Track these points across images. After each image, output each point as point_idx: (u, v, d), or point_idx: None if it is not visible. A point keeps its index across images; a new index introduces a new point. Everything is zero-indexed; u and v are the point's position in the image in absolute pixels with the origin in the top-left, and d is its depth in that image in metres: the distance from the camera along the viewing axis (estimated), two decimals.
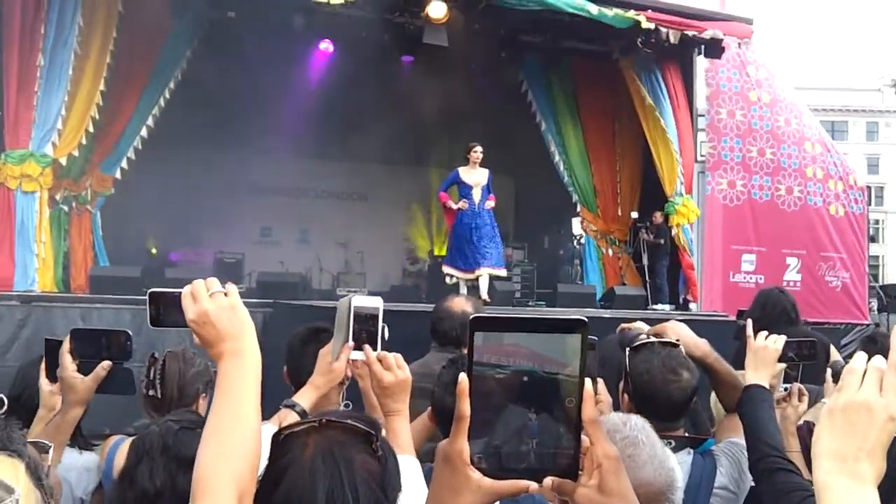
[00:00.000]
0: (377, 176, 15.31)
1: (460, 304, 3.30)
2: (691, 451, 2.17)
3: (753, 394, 2.27)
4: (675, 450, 2.11)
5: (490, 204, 9.43)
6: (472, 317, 0.88)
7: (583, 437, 0.90)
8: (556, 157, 12.38)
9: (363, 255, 14.89)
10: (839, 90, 52.38)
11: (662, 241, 11.25)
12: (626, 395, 2.21)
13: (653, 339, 2.27)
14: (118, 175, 10.01)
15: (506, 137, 12.78)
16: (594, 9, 9.61)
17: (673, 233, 11.08)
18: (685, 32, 10.19)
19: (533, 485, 0.88)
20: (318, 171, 15.07)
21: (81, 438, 2.43)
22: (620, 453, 1.39)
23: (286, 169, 14.62)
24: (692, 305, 10.95)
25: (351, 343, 1.90)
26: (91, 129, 9.34)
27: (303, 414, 2.02)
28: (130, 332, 2.22)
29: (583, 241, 13.81)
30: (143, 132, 10.03)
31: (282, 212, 14.99)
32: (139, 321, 7.94)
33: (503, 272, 9.84)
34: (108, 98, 9.55)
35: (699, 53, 11.20)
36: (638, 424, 1.48)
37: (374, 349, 1.91)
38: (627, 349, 2.24)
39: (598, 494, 0.90)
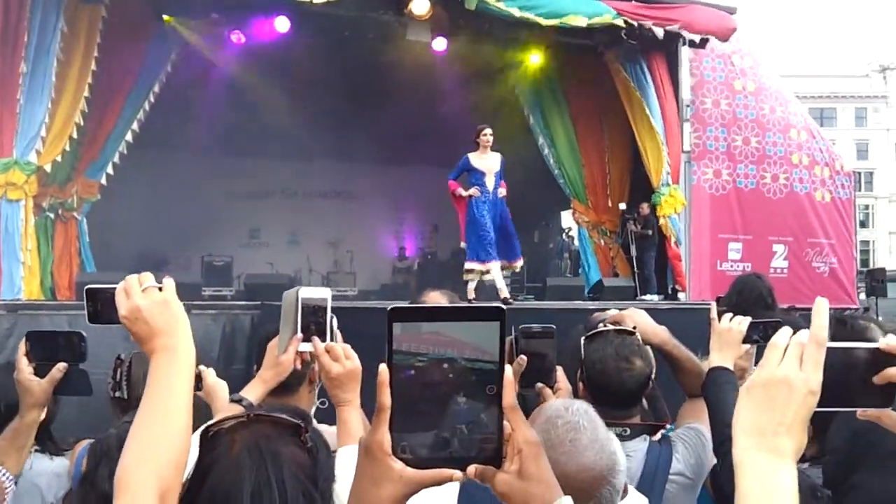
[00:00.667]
0: (365, 175, 15.32)
1: (435, 297, 3.29)
2: (647, 437, 2.18)
3: (717, 376, 2.28)
4: (631, 437, 2.14)
5: (502, 192, 8.77)
6: (389, 308, 0.88)
7: (505, 423, 0.90)
8: (546, 151, 12.40)
9: (353, 254, 14.88)
10: (827, 77, 52.52)
11: (650, 232, 11.28)
12: (581, 384, 2.22)
13: (609, 327, 2.27)
14: (104, 181, 9.97)
15: (494, 131, 12.76)
16: (578, 20, 9.75)
17: (660, 223, 11.10)
18: (668, 28, 10.21)
19: (457, 473, 0.88)
20: (306, 172, 15.07)
21: (52, 444, 2.44)
22: (562, 438, 1.41)
23: (274, 170, 14.63)
24: (681, 295, 10.98)
25: (300, 335, 1.89)
26: (75, 136, 9.30)
27: (249, 408, 2.02)
28: (84, 334, 2.21)
29: (572, 233, 13.85)
30: (129, 137, 10.00)
31: (270, 213, 15.00)
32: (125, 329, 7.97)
33: (519, 263, 9.22)
34: (93, 104, 9.51)
35: (684, 44, 11.22)
36: (580, 409, 1.48)
37: (323, 341, 1.90)
38: (583, 338, 2.25)
39: (517, 480, 0.90)
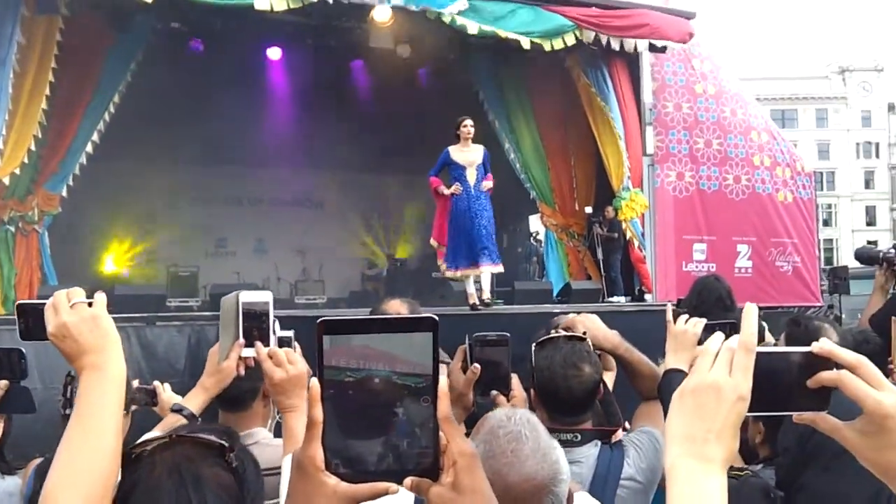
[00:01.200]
0: (332, 182, 15.27)
1: (396, 306, 3.27)
2: (598, 443, 2.18)
3: (672, 378, 2.28)
4: (582, 443, 2.14)
5: (487, 185, 8.31)
6: (319, 320, 0.87)
7: (441, 434, 0.89)
8: (511, 156, 12.46)
9: (321, 262, 14.81)
10: (788, 79, 53.45)
11: (616, 235, 11.38)
12: (532, 390, 2.22)
13: (560, 333, 2.28)
14: (64, 193, 9.83)
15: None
16: (526, 42, 9.88)
17: (623, 227, 11.22)
18: (625, 39, 10.35)
19: (393, 486, 0.88)
20: (272, 180, 14.97)
21: (4, 463, 2.40)
22: (504, 448, 1.42)
23: (240, 179, 14.53)
24: (647, 296, 11.09)
25: (241, 340, 1.85)
26: (34, 148, 9.16)
27: (191, 418, 1.99)
28: (24, 351, 2.18)
29: (540, 237, 13.92)
30: (89, 148, 9.86)
31: (237, 222, 14.87)
32: None
33: (500, 268, 8.71)
34: (51, 116, 9.38)
35: (643, 50, 11.36)
36: (522, 419, 1.48)
37: (266, 346, 1.86)
38: (533, 345, 2.25)
39: (451, 492, 0.89)
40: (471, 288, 8.43)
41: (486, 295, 8.45)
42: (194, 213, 13.94)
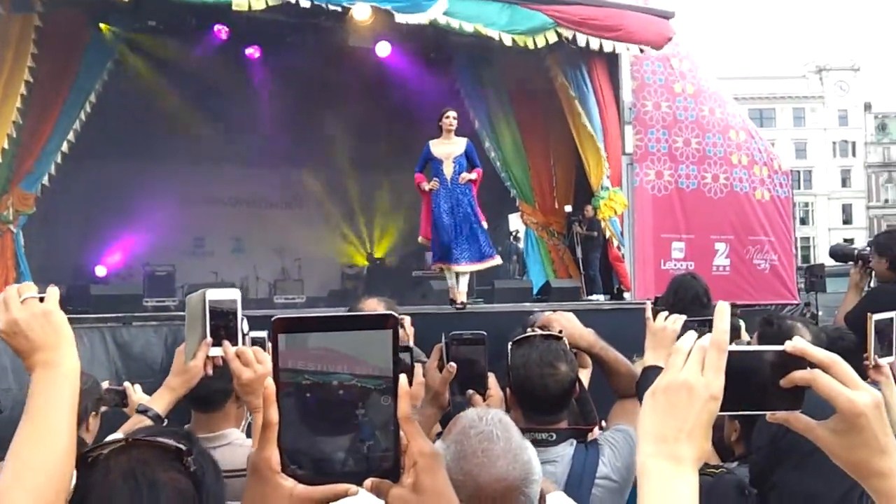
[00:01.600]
0: (312, 181, 15.21)
1: (373, 304, 3.25)
2: (573, 442, 2.18)
3: (650, 375, 2.29)
4: (557, 442, 2.14)
5: (466, 176, 7.98)
6: (273, 318, 0.85)
7: (402, 435, 0.88)
8: (492, 154, 12.48)
9: (300, 261, 14.74)
10: (765, 78, 53.99)
11: (595, 234, 11.44)
12: (508, 389, 2.22)
13: (537, 331, 2.28)
14: (39, 192, 9.71)
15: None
16: (508, 39, 9.91)
17: (602, 225, 11.28)
18: (604, 39, 10.39)
19: (352, 488, 0.86)
20: (251, 179, 14.89)
21: None
22: (475, 448, 1.41)
23: (218, 177, 14.42)
24: (626, 295, 11.14)
25: (209, 339, 1.81)
26: (7, 147, 9.04)
27: (156, 419, 1.95)
28: None
29: (520, 235, 13.95)
30: (65, 147, 9.74)
31: (214, 221, 14.75)
32: None
33: (490, 263, 8.47)
34: (26, 115, 9.27)
35: (621, 52, 11.43)
36: (494, 419, 1.47)
37: (234, 345, 1.83)
38: (510, 343, 2.24)
39: (411, 494, 0.88)
40: (451, 282, 8.34)
41: (461, 298, 8.31)
42: (171, 212, 13.81)
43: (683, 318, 2.46)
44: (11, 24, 8.98)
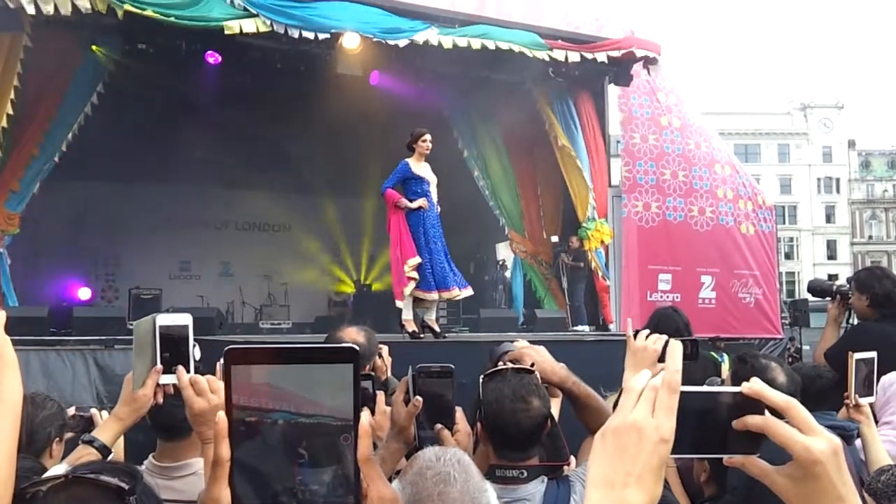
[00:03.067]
0: (300, 206, 15.21)
1: (352, 334, 3.20)
2: (545, 479, 2.13)
3: None
4: (528, 479, 2.09)
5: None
6: (226, 349, 0.80)
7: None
8: (481, 183, 12.55)
9: (287, 286, 14.70)
10: (751, 114, 54.60)
11: (581, 265, 11.47)
12: (479, 424, 2.17)
13: (508, 365, 2.23)
14: (23, 213, 9.65)
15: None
16: (495, 46, 9.97)
17: (588, 256, 11.32)
18: (597, 56, 10.49)
19: None
20: (238, 203, 14.88)
21: None
22: (430, 492, 1.37)
23: (205, 200, 14.40)
24: (611, 326, 11.15)
25: (159, 367, 1.74)
26: None
27: (103, 450, 1.87)
28: None
29: (507, 265, 13.97)
30: (52, 167, 9.71)
31: (201, 245, 14.71)
32: (48, 365, 7.58)
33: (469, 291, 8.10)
34: (12, 134, 9.24)
35: (610, 81, 11.55)
36: (452, 459, 1.43)
37: (187, 372, 1.76)
38: (481, 377, 2.19)
39: None
40: (428, 314, 7.94)
41: (435, 327, 7.97)
42: (158, 234, 13.78)
43: (665, 337, 2.38)
44: (1, 44, 8.98)
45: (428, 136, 7.72)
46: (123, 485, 1.21)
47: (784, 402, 0.96)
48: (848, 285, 4.40)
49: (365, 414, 0.82)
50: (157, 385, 1.77)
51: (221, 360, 0.80)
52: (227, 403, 0.80)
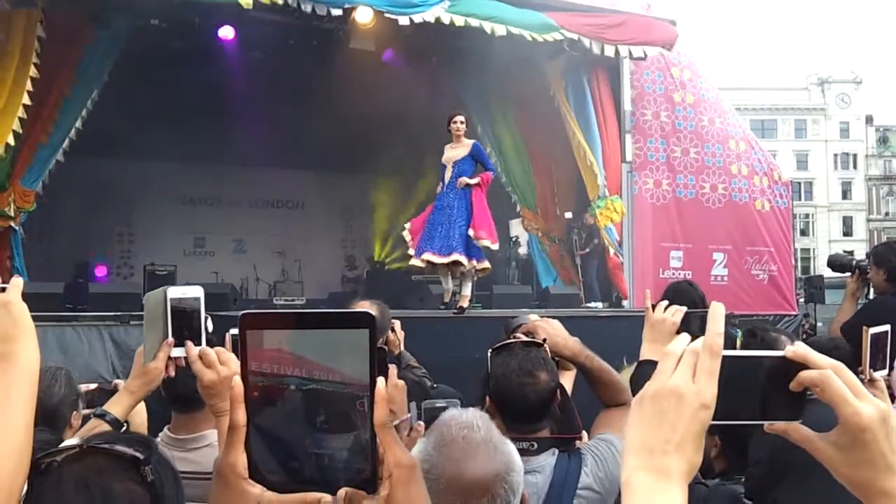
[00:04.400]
0: (313, 183, 15.22)
1: (364, 306, 3.24)
2: (555, 451, 2.14)
3: (645, 371, 2.24)
4: (538, 451, 2.10)
5: (462, 181, 7.94)
6: (242, 314, 0.79)
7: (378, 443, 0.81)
8: (494, 159, 12.47)
9: (300, 263, 14.75)
10: (768, 90, 53.99)
11: (596, 241, 11.43)
12: (488, 398, 2.18)
13: (519, 338, 2.24)
14: (40, 190, 9.71)
15: (442, 142, 12.84)
16: (505, 30, 9.89)
17: (600, 233, 11.29)
18: (607, 44, 10.40)
19: (325, 497, 0.80)
20: (253, 180, 14.90)
21: None
22: (455, 436, 1.39)
23: (220, 177, 14.43)
24: (624, 302, 11.14)
25: (171, 339, 1.73)
26: (13, 143, 9.04)
27: (115, 423, 1.87)
28: None
29: (520, 241, 13.95)
30: (66, 144, 9.75)
31: (216, 221, 14.77)
32: (64, 341, 7.67)
33: (452, 258, 7.90)
34: (28, 111, 9.28)
35: (625, 56, 11.43)
36: (476, 413, 1.47)
37: (198, 345, 1.74)
38: (489, 351, 2.20)
39: None
40: (447, 285, 8.22)
41: (464, 302, 8.21)
42: (173, 211, 13.84)
43: (684, 309, 2.38)
44: (16, 19, 8.98)
45: (457, 118, 8.12)
46: (138, 454, 1.20)
47: (832, 364, 0.93)
48: (867, 260, 4.38)
49: (381, 380, 0.81)
50: (169, 358, 1.76)
51: (234, 329, 0.79)
52: (242, 369, 0.80)
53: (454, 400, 2.11)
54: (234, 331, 1.84)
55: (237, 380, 0.80)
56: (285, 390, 0.79)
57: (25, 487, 1.17)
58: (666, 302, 2.38)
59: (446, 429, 1.40)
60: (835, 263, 4.77)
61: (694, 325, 2.36)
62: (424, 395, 3.14)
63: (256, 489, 0.80)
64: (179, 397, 2.34)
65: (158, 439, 2.42)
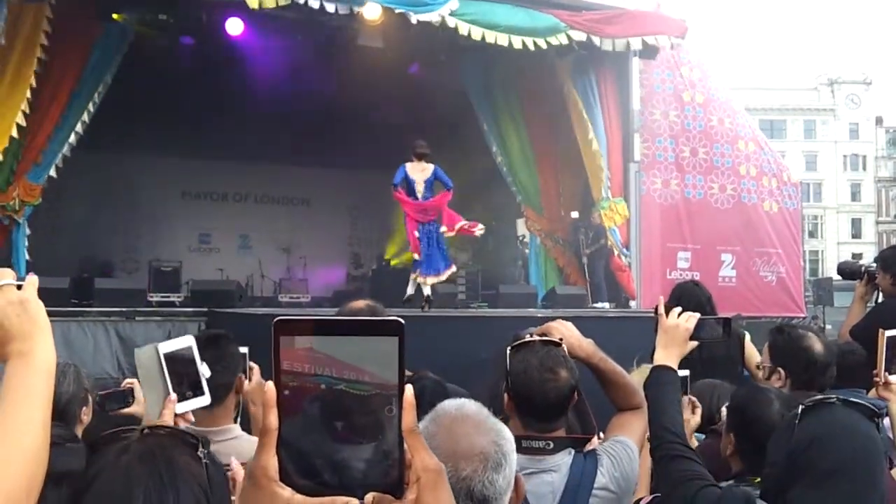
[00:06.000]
0: (319, 180, 15.21)
1: (357, 306, 3.31)
2: (571, 451, 2.14)
3: (659, 375, 2.26)
4: (555, 450, 2.10)
5: (448, 234, 9.10)
6: (275, 320, 0.82)
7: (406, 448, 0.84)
8: (499, 159, 12.47)
9: (306, 260, 14.73)
10: (777, 90, 53.79)
11: (604, 241, 11.38)
12: (507, 395, 2.17)
13: (536, 337, 2.24)
14: (45, 184, 9.71)
15: (448, 139, 12.83)
16: (518, 42, 9.89)
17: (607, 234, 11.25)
18: (617, 39, 10.34)
19: (353, 501, 0.82)
20: (258, 176, 14.88)
21: None
22: (448, 409, 1.43)
23: (225, 173, 14.44)
24: (632, 303, 11.09)
25: (173, 396, 1.73)
26: (15, 136, 9.05)
27: None
28: None
29: (526, 240, 13.92)
30: (72, 139, 9.75)
31: (221, 218, 14.77)
32: (69, 336, 7.67)
33: (446, 274, 9.21)
34: (35, 106, 9.29)
35: (634, 55, 11.37)
36: (472, 400, 1.51)
37: (201, 394, 1.76)
38: (508, 348, 2.19)
39: None
40: (426, 291, 9.04)
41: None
42: (178, 207, 13.84)
43: (697, 315, 2.40)
44: (23, 14, 8.99)
45: (421, 142, 9.13)
46: (197, 438, 1.29)
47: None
48: (875, 265, 4.34)
49: (409, 387, 0.83)
50: (176, 414, 1.77)
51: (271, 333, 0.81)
52: (275, 374, 0.82)
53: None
54: (242, 349, 1.86)
55: (270, 385, 0.82)
56: (316, 390, 0.81)
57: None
58: (679, 308, 2.40)
59: (441, 406, 1.45)
60: (844, 271, 4.74)
61: (706, 331, 2.42)
62: (445, 395, 3.16)
63: (286, 492, 0.82)
64: None
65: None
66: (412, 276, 9.17)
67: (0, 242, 9.55)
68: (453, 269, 9.39)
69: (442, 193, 9.10)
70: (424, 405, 3.27)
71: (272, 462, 0.82)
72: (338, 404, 0.81)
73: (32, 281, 1.30)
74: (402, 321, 0.83)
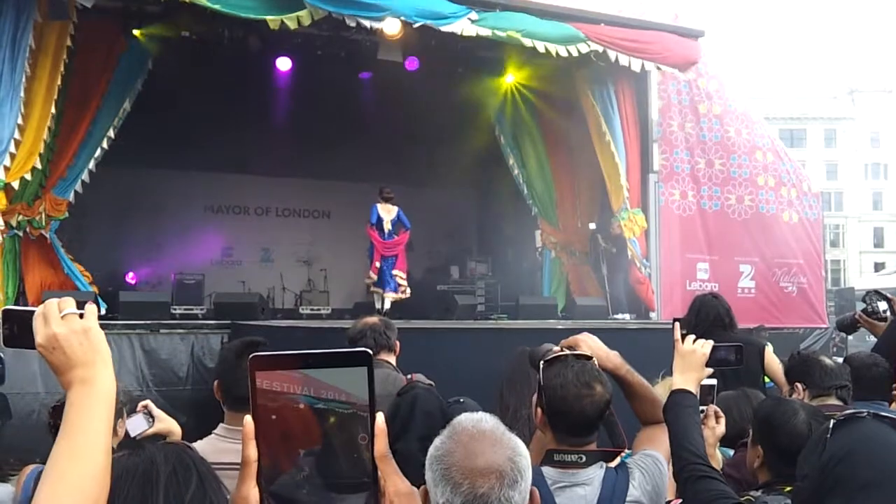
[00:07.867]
0: (340, 193, 15.28)
1: (370, 321, 3.63)
2: (603, 464, 2.16)
3: (678, 399, 2.29)
4: (587, 464, 2.12)
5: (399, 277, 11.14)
6: (251, 356, 0.87)
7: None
8: (516, 171, 12.51)
9: (327, 273, 14.82)
10: (797, 98, 53.44)
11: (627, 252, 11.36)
12: (539, 410, 2.19)
13: (566, 352, 2.25)
14: (71, 198, 9.87)
15: (467, 151, 12.89)
16: (541, 46, 9.93)
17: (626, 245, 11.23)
18: (633, 57, 10.36)
19: None
20: (279, 189, 15.01)
21: None
22: (465, 424, 1.44)
23: (247, 187, 14.57)
24: (652, 314, 11.06)
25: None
26: (42, 152, 9.19)
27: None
28: (3, 356, 2.14)
29: (542, 252, 13.93)
30: (98, 153, 9.90)
31: (243, 231, 14.90)
32: None
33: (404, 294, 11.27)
34: (61, 121, 9.45)
35: (650, 69, 11.38)
36: (488, 414, 1.53)
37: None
38: (541, 362, 2.21)
39: None
40: (387, 304, 10.95)
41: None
42: (201, 220, 13.97)
43: (711, 343, 2.47)
44: (48, 32, 9.13)
45: (387, 189, 11.16)
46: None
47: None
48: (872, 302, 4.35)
49: (380, 414, 0.88)
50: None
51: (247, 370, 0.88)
52: (252, 408, 0.87)
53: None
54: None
55: (248, 418, 0.87)
56: (292, 427, 0.86)
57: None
58: (693, 337, 2.46)
59: (458, 422, 1.47)
60: (841, 325, 4.81)
61: (720, 356, 2.52)
62: (437, 402, 3.21)
63: None
64: (238, 396, 2.58)
65: (216, 431, 2.64)
66: (375, 291, 11.26)
67: (52, 257, 9.70)
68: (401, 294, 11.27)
69: (402, 234, 10.99)
70: (417, 413, 3.40)
71: (253, 493, 0.87)
72: (313, 434, 0.86)
73: (92, 310, 1.34)
74: (370, 352, 0.89)
